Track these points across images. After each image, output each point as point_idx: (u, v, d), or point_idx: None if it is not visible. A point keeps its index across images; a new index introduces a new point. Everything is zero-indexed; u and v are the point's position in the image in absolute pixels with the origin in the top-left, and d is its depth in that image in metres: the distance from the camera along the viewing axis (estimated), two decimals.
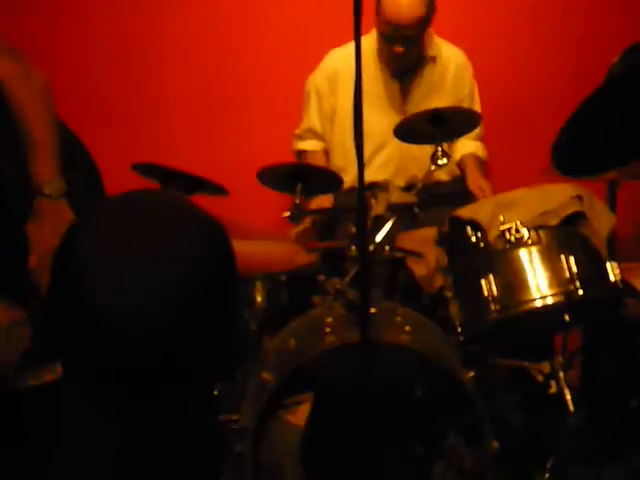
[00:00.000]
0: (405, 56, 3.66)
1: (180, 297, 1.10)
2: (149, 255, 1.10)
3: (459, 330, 2.93)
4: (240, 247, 1.29)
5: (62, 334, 1.13)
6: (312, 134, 3.97)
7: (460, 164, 3.95)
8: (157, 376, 1.11)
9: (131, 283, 1.08)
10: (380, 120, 3.67)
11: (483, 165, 3.98)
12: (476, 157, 3.95)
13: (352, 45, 3.63)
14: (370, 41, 3.72)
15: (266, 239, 3.41)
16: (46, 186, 2.27)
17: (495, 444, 2.64)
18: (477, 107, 3.94)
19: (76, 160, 2.52)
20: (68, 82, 3.97)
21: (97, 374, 1.11)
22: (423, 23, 3.58)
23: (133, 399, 1.13)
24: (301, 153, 3.99)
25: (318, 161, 3.89)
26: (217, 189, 3.44)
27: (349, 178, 3.48)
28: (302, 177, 2.99)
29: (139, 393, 1.12)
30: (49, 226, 2.25)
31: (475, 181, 3.82)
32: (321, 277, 3.13)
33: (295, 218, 3.02)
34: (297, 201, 2.98)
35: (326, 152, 3.96)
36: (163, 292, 1.09)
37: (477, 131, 3.66)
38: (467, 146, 3.93)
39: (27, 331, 2.22)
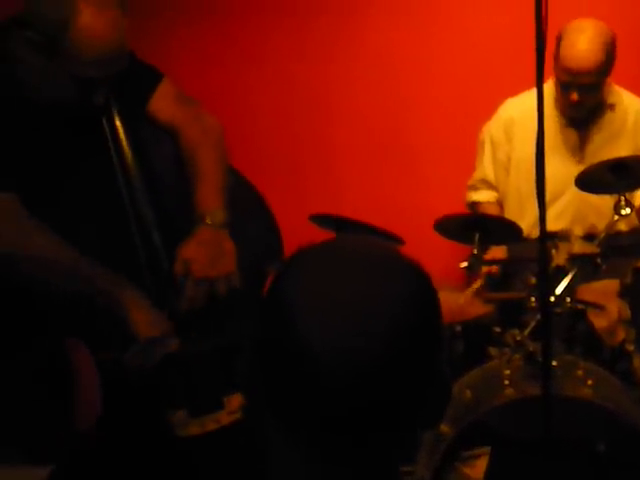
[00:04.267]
0: (580, 104, 3.60)
1: (391, 341, 1.10)
2: (359, 299, 1.11)
3: None
4: None
5: (271, 379, 1.14)
6: (485, 184, 3.93)
7: (638, 214, 3.84)
8: (364, 422, 1.11)
9: (342, 328, 1.09)
10: (557, 168, 3.60)
11: None
12: None
13: (528, 94, 3.69)
14: (548, 89, 3.68)
15: (442, 289, 3.39)
16: (208, 216, 2.32)
17: None
18: None
19: (253, 208, 2.58)
20: (241, 131, 4.06)
21: (306, 418, 1.12)
22: (601, 71, 3.51)
23: (338, 444, 1.13)
24: (474, 204, 3.96)
25: (492, 212, 3.85)
26: (392, 238, 3.45)
27: (524, 227, 3.44)
28: (480, 227, 2.97)
29: (345, 438, 1.13)
30: (207, 252, 2.30)
31: None
32: (497, 329, 3.10)
33: (473, 268, 2.99)
34: (475, 251, 2.96)
35: (500, 203, 3.92)
36: (375, 336, 1.09)
37: None
38: None
39: (174, 344, 2.27)
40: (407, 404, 1.13)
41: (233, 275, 2.31)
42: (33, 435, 2.29)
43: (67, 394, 2.30)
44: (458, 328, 3.19)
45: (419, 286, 1.17)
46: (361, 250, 1.19)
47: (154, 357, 2.23)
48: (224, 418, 2.34)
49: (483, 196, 3.94)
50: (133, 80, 2.41)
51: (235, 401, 2.36)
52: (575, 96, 3.54)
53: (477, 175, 3.95)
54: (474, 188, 3.97)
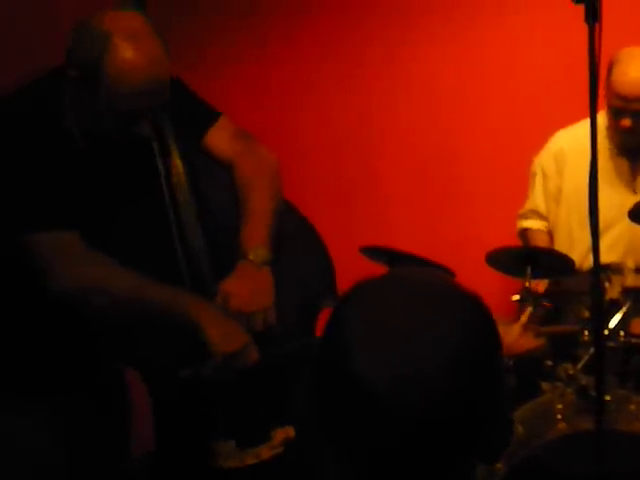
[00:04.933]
0: (632, 131, 3.58)
1: (451, 371, 1.10)
2: (419, 330, 1.11)
3: None
4: None
5: (329, 409, 1.15)
6: (536, 215, 3.92)
7: None
8: (420, 452, 1.11)
9: (402, 358, 1.10)
10: (610, 198, 3.56)
11: None
12: None
13: (579, 125, 3.67)
14: (599, 119, 3.65)
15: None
16: (251, 252, 2.35)
17: None
18: None
19: (307, 241, 2.59)
20: (290, 162, 4.06)
21: (362, 448, 1.13)
22: None
23: (394, 473, 1.13)
24: (525, 231, 3.94)
25: (542, 241, 3.84)
26: (443, 271, 3.44)
27: (575, 260, 3.41)
28: (532, 260, 2.95)
29: (400, 467, 1.13)
30: (246, 288, 2.32)
31: None
32: (549, 362, 3.07)
33: (525, 302, 2.97)
34: (527, 284, 2.94)
35: (550, 233, 3.90)
36: (435, 367, 1.10)
37: None
38: None
39: (254, 355, 2.27)
40: (465, 436, 1.13)
41: (270, 311, 2.33)
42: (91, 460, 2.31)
43: (126, 422, 2.32)
44: (510, 362, 3.16)
45: (478, 316, 1.16)
46: (420, 281, 1.20)
47: (234, 370, 2.24)
48: (265, 452, 2.35)
49: (533, 223, 3.92)
50: (190, 114, 2.46)
51: (280, 435, 2.36)
52: (627, 122, 3.53)
53: (528, 205, 3.95)
54: (525, 217, 3.96)
